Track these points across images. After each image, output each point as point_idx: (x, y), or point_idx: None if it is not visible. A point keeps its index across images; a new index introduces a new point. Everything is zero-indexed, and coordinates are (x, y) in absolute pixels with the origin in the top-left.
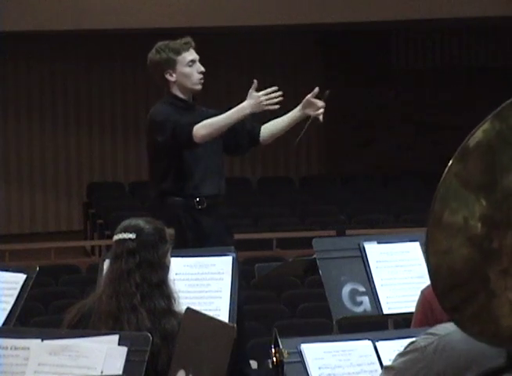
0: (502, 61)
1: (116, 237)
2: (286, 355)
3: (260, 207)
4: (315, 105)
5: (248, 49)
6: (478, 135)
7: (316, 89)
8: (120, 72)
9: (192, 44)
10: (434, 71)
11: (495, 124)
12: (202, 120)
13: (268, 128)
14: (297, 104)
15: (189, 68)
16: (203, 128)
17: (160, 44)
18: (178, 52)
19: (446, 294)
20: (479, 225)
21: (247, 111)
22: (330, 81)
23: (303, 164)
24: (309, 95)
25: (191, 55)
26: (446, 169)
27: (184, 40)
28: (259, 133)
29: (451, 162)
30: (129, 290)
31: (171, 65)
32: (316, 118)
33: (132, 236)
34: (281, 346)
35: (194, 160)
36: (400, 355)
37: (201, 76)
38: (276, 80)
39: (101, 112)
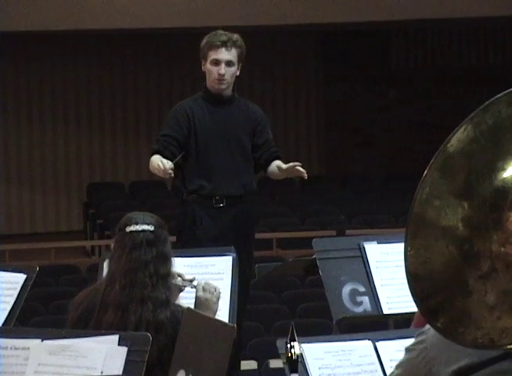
0: (502, 61)
1: (132, 228)
2: (300, 350)
3: (260, 207)
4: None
5: (248, 49)
6: (453, 142)
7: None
8: (121, 72)
9: (229, 43)
10: (434, 71)
11: (469, 130)
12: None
13: (271, 166)
14: (297, 103)
15: (212, 66)
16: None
17: (212, 32)
18: (210, 47)
19: (425, 298)
20: (460, 228)
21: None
22: (330, 81)
23: (303, 164)
24: (290, 166)
25: (218, 54)
26: (424, 175)
27: (224, 36)
28: (268, 162)
29: (427, 169)
30: (143, 280)
31: (203, 56)
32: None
33: (150, 228)
34: (297, 341)
35: (214, 159)
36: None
37: (219, 77)
38: (276, 80)
39: (101, 112)
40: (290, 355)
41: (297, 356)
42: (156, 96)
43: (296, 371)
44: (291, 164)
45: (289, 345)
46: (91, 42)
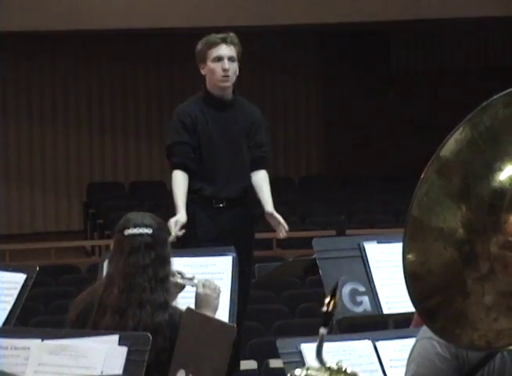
0: (502, 61)
1: (130, 232)
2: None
3: (260, 207)
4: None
5: (248, 49)
6: (451, 143)
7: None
8: (121, 72)
9: (229, 40)
10: (434, 71)
11: (467, 131)
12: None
13: (257, 183)
14: (297, 103)
15: (214, 64)
16: (172, 179)
17: (205, 37)
18: (210, 47)
19: (423, 299)
20: (458, 230)
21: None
22: (330, 81)
23: (303, 164)
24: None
25: (219, 50)
26: (422, 177)
27: (221, 35)
28: (252, 163)
29: (425, 171)
30: (142, 284)
31: (202, 58)
32: None
33: (149, 231)
34: (337, 300)
35: (216, 163)
36: None
37: (224, 73)
38: (276, 80)
39: (101, 112)
40: (326, 309)
41: (333, 311)
42: (157, 96)
43: (327, 324)
44: (280, 223)
45: (328, 299)
46: (92, 42)
